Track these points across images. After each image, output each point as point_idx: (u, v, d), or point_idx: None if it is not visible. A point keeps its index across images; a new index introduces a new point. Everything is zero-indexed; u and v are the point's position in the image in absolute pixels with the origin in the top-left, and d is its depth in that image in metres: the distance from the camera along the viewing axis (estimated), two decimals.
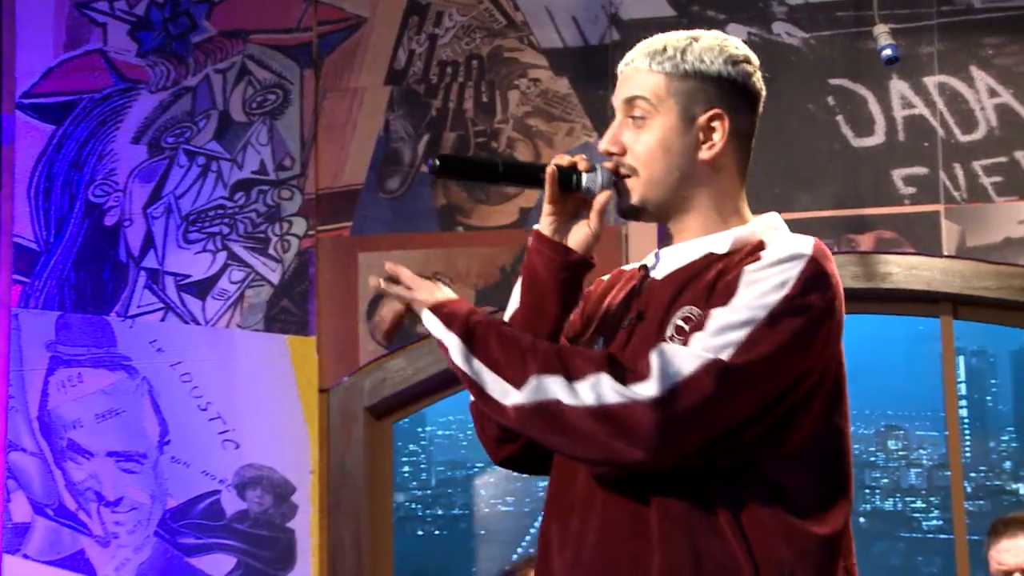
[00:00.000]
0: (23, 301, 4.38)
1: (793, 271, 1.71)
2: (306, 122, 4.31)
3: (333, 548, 4.13)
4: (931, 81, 4.04)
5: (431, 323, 1.78)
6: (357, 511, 4.14)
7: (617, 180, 1.81)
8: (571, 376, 1.68)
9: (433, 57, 4.29)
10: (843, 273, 4.07)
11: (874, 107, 4.07)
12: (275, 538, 4.16)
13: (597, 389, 1.66)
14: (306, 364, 4.19)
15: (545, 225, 1.82)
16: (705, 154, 1.80)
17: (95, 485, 4.26)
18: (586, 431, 1.66)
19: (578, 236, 1.82)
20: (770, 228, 1.82)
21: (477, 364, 1.73)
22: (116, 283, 4.34)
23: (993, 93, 4.02)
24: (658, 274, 1.84)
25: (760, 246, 1.76)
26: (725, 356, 1.65)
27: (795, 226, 1.89)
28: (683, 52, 1.80)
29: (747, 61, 1.84)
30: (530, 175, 1.85)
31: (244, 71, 4.37)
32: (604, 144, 1.82)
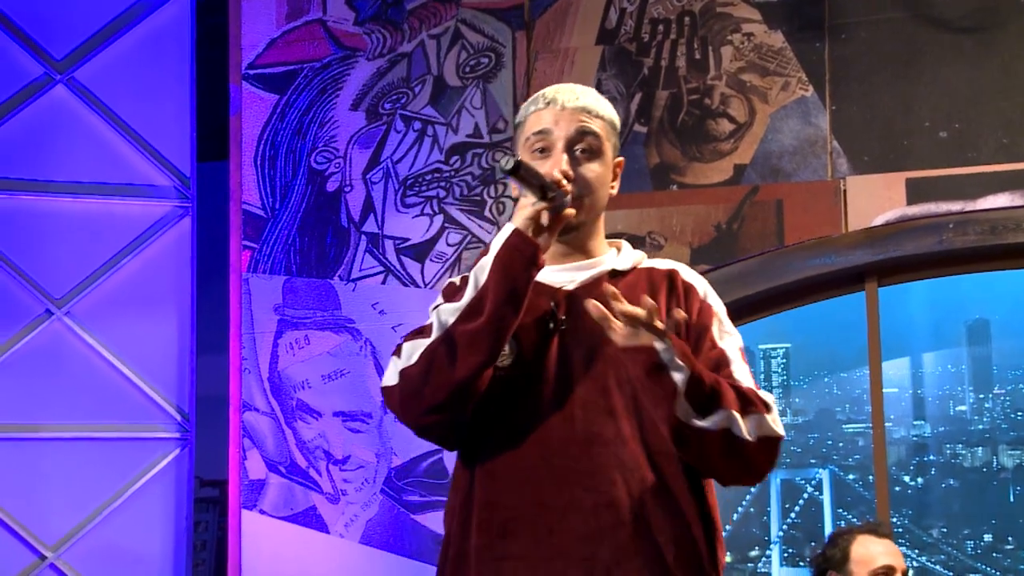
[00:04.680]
0: (252, 266, 4.55)
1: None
2: (519, 84, 4.32)
3: None
4: None
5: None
6: None
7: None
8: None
9: (644, 15, 4.23)
10: None
11: None
12: None
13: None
14: None
15: (530, 228, 1.96)
16: (612, 191, 2.10)
17: (324, 444, 4.42)
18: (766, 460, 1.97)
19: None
20: (636, 250, 2.14)
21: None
22: (338, 247, 4.47)
23: None
24: (570, 286, 2.04)
25: (676, 275, 2.08)
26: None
27: None
28: (606, 104, 2.10)
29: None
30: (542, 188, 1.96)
31: (457, 35, 4.40)
32: (562, 167, 1.98)
